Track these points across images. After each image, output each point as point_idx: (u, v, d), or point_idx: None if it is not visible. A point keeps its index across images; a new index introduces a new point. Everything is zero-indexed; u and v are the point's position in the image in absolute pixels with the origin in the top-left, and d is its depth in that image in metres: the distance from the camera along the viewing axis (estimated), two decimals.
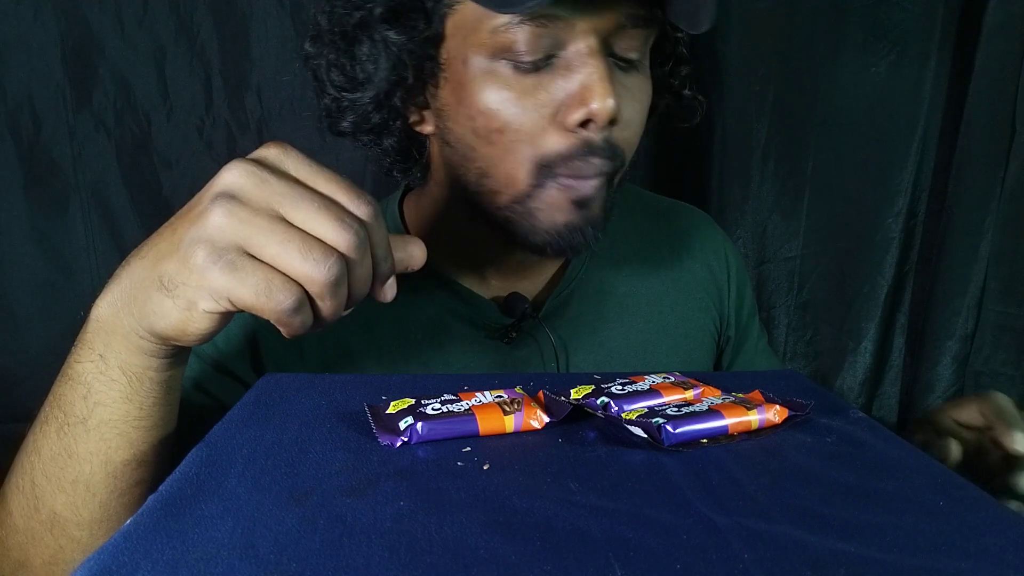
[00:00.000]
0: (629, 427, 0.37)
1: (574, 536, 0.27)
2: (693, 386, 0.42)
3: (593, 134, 0.49)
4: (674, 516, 0.29)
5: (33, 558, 0.42)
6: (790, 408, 0.39)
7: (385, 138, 0.57)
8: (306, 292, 0.35)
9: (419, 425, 0.35)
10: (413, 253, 0.42)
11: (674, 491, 0.31)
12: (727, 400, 0.40)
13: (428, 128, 0.56)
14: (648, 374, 0.44)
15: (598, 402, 0.39)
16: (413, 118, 0.56)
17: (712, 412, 0.37)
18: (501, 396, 0.39)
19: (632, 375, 0.44)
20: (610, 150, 0.50)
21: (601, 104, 0.46)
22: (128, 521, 0.28)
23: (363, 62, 0.52)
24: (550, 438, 0.37)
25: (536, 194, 0.51)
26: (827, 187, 1.02)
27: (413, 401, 0.38)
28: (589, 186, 0.50)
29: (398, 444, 0.35)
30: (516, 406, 0.37)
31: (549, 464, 0.34)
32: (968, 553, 0.26)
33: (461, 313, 0.60)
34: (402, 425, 0.35)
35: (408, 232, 0.63)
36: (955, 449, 0.54)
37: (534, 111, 0.49)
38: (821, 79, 0.97)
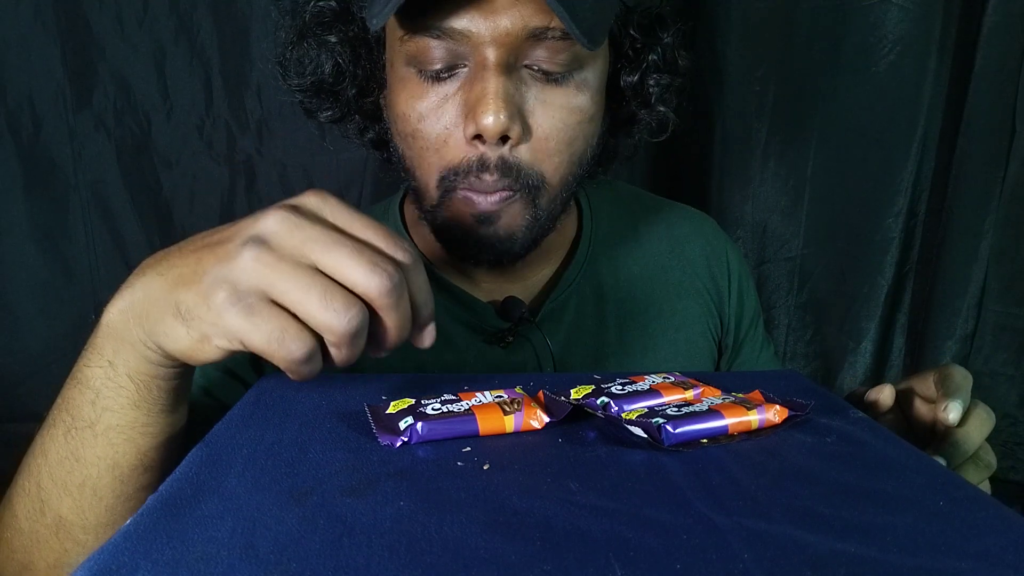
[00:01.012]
0: (629, 427, 0.37)
1: (574, 536, 0.27)
2: (693, 386, 0.42)
3: (488, 150, 0.49)
4: (674, 516, 0.29)
5: (37, 561, 0.42)
6: (790, 408, 0.39)
7: (364, 132, 0.61)
8: (322, 340, 0.35)
9: (419, 425, 0.35)
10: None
11: (674, 491, 0.31)
12: (727, 400, 0.40)
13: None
14: (648, 374, 0.44)
15: (598, 402, 0.39)
16: (386, 115, 0.59)
17: (712, 412, 0.37)
18: (501, 396, 0.39)
19: (632, 375, 0.44)
20: (510, 169, 0.49)
21: (487, 120, 0.46)
22: (128, 521, 0.28)
23: (308, 62, 0.56)
24: (550, 438, 0.37)
25: (444, 203, 0.52)
26: (827, 187, 1.02)
27: (413, 401, 0.38)
28: (488, 201, 0.50)
29: (398, 444, 0.35)
30: (516, 406, 0.37)
31: (549, 464, 0.34)
32: (968, 553, 0.26)
33: (458, 316, 0.60)
34: (402, 425, 0.35)
35: (408, 232, 0.63)
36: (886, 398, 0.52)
37: (438, 120, 0.50)
38: (821, 79, 0.97)
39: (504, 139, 0.48)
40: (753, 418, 0.38)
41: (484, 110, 0.46)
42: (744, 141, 0.99)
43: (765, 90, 0.97)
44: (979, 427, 0.47)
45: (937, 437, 0.48)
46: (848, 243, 1.06)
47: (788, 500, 0.30)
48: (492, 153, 0.49)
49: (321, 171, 0.92)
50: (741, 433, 0.37)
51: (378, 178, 0.93)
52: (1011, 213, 0.97)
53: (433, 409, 0.36)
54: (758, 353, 0.73)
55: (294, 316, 0.34)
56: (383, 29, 0.53)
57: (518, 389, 0.40)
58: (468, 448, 0.35)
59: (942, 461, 0.47)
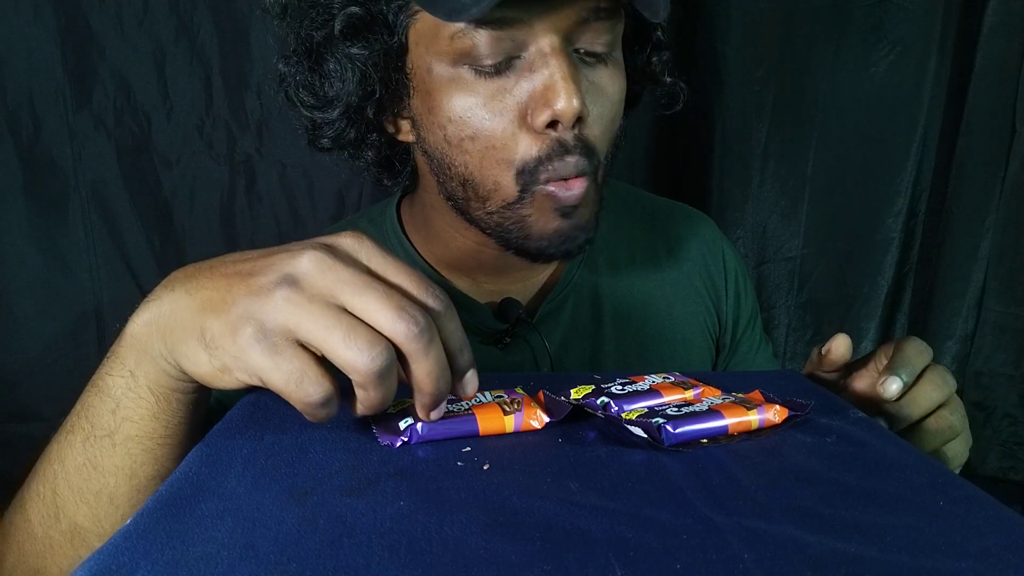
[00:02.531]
0: (629, 427, 0.37)
1: (574, 536, 0.27)
2: (693, 386, 0.42)
3: (563, 134, 0.49)
4: (674, 516, 0.29)
5: (51, 566, 0.42)
6: (790, 408, 0.39)
7: (365, 151, 0.58)
8: (350, 383, 0.35)
9: (419, 425, 0.35)
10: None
11: (674, 491, 0.31)
12: (727, 400, 0.40)
13: (408, 137, 0.56)
14: (648, 374, 0.44)
15: (598, 402, 0.39)
16: (391, 129, 0.57)
17: (712, 412, 0.37)
18: (501, 396, 0.39)
19: (632, 375, 0.44)
20: (588, 149, 0.50)
21: (565, 104, 0.46)
22: (128, 521, 0.28)
23: (331, 79, 0.53)
24: (550, 438, 0.37)
25: (525, 200, 0.51)
26: (827, 187, 1.02)
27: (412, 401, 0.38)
28: (574, 195, 0.50)
29: (398, 444, 0.35)
30: (516, 406, 0.37)
31: (549, 464, 0.34)
32: (968, 553, 0.26)
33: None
34: (402, 425, 0.35)
35: (406, 236, 0.63)
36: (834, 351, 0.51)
37: (501, 115, 0.49)
38: (821, 79, 0.97)
39: (577, 123, 0.48)
40: (753, 418, 0.38)
41: (558, 94, 0.46)
42: (744, 141, 0.99)
43: (765, 90, 0.97)
44: (927, 394, 0.47)
45: (875, 405, 0.49)
46: (848, 243, 1.06)
47: (788, 500, 0.30)
48: (568, 135, 0.48)
49: (321, 171, 0.92)
50: (741, 433, 0.37)
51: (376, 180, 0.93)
52: (1011, 213, 0.97)
53: None
54: (755, 352, 0.73)
55: (318, 358, 0.34)
56: (407, 36, 0.51)
57: (518, 389, 0.40)
58: (468, 448, 0.35)
59: (883, 423, 0.48)
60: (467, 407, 0.37)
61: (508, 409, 0.37)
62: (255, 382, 0.35)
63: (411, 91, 0.52)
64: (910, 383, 0.46)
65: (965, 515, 0.29)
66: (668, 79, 0.61)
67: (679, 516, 0.29)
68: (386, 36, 0.51)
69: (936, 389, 0.47)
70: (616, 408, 0.38)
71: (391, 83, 0.53)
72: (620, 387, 0.41)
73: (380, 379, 0.33)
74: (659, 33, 0.58)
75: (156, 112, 0.87)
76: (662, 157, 1.02)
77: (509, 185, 0.50)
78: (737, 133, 0.99)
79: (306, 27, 0.52)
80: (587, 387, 0.42)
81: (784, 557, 0.26)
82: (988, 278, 1.00)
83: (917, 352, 0.48)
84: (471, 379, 0.37)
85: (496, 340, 0.60)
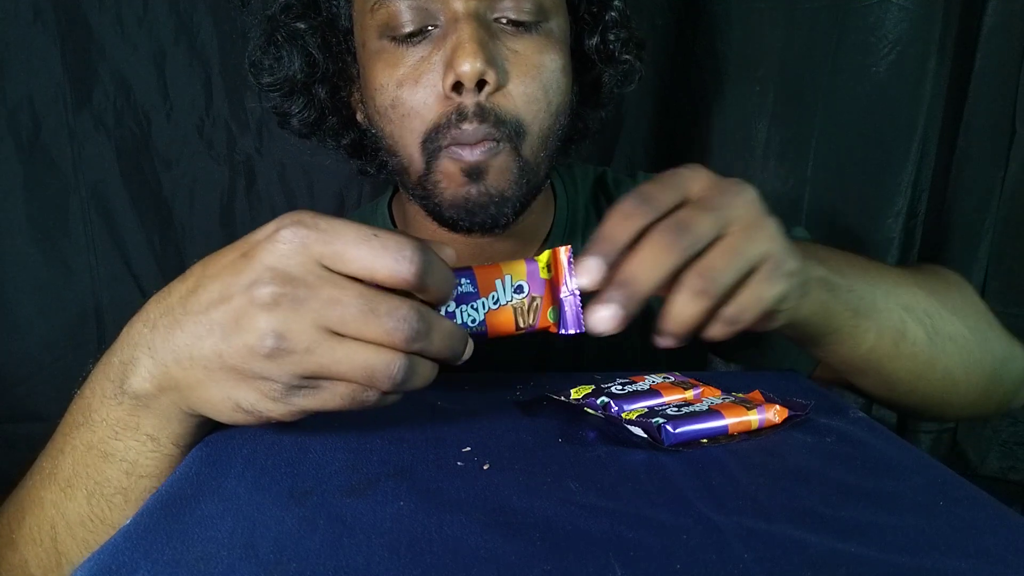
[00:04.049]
0: (629, 427, 0.37)
1: (574, 536, 0.27)
2: (693, 386, 0.42)
3: (465, 99, 0.49)
4: (674, 516, 0.29)
5: None
6: (790, 408, 0.39)
7: (339, 136, 0.61)
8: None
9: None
10: (447, 255, 0.37)
11: (674, 491, 0.31)
12: (727, 400, 0.40)
13: (361, 117, 0.59)
14: (648, 374, 0.44)
15: (598, 402, 0.39)
16: (359, 115, 0.59)
17: (712, 412, 0.37)
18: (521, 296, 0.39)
19: (632, 375, 0.44)
20: (488, 114, 0.49)
21: (465, 65, 0.47)
22: (128, 521, 0.28)
23: (280, 58, 0.56)
24: (550, 438, 0.37)
25: (432, 168, 0.52)
26: (827, 187, 1.02)
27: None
28: (475, 153, 0.50)
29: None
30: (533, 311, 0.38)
31: (549, 464, 0.34)
32: (968, 553, 0.26)
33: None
34: None
35: None
36: None
37: (416, 83, 0.50)
38: (821, 79, 0.97)
39: (481, 85, 0.49)
40: (753, 418, 0.38)
41: (460, 55, 0.47)
42: (744, 141, 0.99)
43: (765, 90, 0.97)
44: (650, 267, 0.34)
45: None
46: (848, 243, 1.05)
47: (788, 500, 0.30)
48: (469, 101, 0.49)
49: (321, 171, 0.92)
50: (741, 433, 0.37)
51: (377, 178, 0.93)
52: (1011, 213, 0.97)
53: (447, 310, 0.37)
54: None
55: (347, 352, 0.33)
56: (351, 16, 0.54)
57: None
58: (468, 448, 0.35)
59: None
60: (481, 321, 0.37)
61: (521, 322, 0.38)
62: (312, 413, 0.35)
63: (358, 71, 0.56)
64: (610, 261, 0.35)
65: (965, 515, 0.29)
66: (626, 58, 0.60)
67: (679, 516, 0.29)
68: (328, 15, 0.55)
69: (663, 253, 0.34)
70: (616, 408, 0.38)
71: (341, 62, 0.57)
72: (620, 387, 0.41)
73: (408, 380, 0.33)
74: (613, 13, 0.59)
75: (156, 112, 0.87)
76: (662, 157, 1.02)
77: (417, 157, 0.52)
78: (737, 133, 0.99)
79: (259, 8, 0.57)
80: (587, 387, 0.42)
81: (784, 557, 0.26)
82: (988, 278, 1.00)
83: (623, 217, 0.35)
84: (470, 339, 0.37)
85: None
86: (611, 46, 0.59)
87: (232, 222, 0.92)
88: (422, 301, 0.34)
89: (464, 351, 0.36)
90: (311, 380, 0.33)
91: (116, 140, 0.86)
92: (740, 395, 0.41)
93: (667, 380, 0.43)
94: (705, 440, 0.36)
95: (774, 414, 0.38)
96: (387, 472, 0.33)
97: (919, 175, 1.02)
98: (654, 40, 0.96)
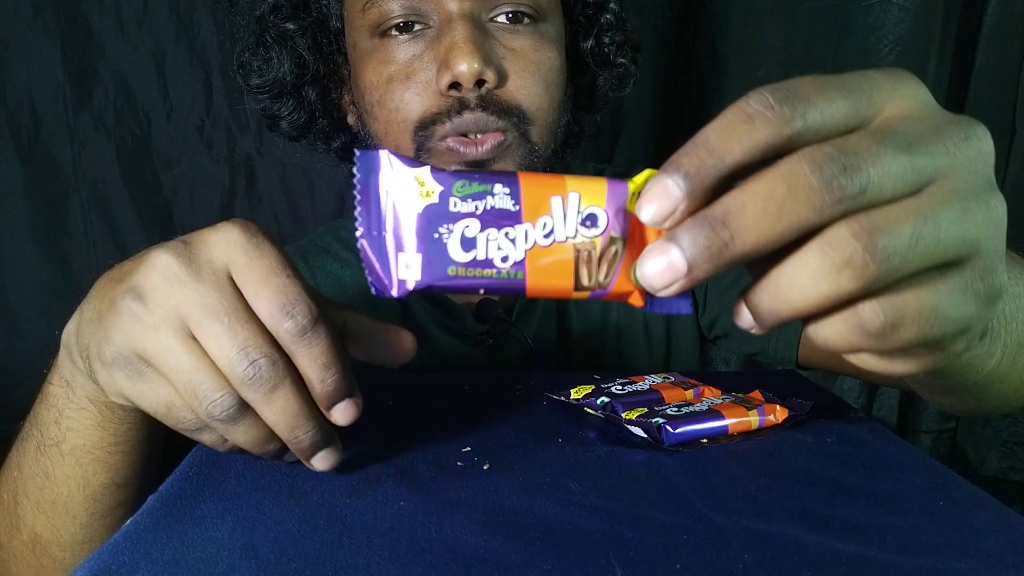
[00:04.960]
0: (629, 427, 0.37)
1: (574, 536, 0.27)
2: (693, 386, 0.42)
3: (465, 94, 0.49)
4: (674, 516, 0.29)
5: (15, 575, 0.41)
6: (790, 408, 0.39)
7: (330, 139, 0.61)
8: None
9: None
10: (401, 344, 0.34)
11: (674, 491, 0.31)
12: (727, 400, 0.40)
13: (353, 119, 0.59)
14: (648, 374, 0.44)
15: (598, 402, 0.39)
16: (350, 117, 0.59)
17: (712, 412, 0.37)
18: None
19: (632, 375, 0.44)
20: (491, 105, 0.49)
21: (463, 65, 0.47)
22: (128, 521, 0.28)
23: (270, 59, 0.56)
24: (550, 438, 0.37)
25: (422, 156, 0.51)
26: None
27: None
28: (482, 150, 0.49)
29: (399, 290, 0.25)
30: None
31: (549, 464, 0.34)
32: (968, 553, 0.26)
33: (439, 321, 0.60)
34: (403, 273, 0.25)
35: None
36: None
37: (406, 79, 0.50)
38: None
39: (480, 85, 0.48)
40: (753, 418, 0.38)
41: (457, 56, 0.47)
42: None
43: None
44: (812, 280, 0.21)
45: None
46: None
47: (788, 500, 0.30)
48: (471, 95, 0.49)
49: (321, 171, 0.92)
50: (741, 433, 0.37)
51: None
52: (1011, 213, 0.97)
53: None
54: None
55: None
56: (342, 17, 0.54)
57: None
58: (468, 448, 0.35)
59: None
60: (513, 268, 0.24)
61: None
62: (132, 404, 0.32)
63: (349, 72, 0.55)
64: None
65: (965, 515, 0.29)
66: (620, 61, 0.60)
67: (679, 516, 0.29)
68: (318, 16, 0.55)
69: (802, 196, 0.20)
70: (616, 408, 0.38)
71: (332, 64, 0.56)
72: (620, 387, 0.41)
73: (227, 424, 0.29)
74: (608, 16, 0.58)
75: (156, 112, 0.87)
76: (662, 157, 1.02)
77: (407, 145, 0.51)
78: None
79: (248, 9, 0.56)
80: (587, 387, 0.42)
81: (784, 557, 0.26)
82: None
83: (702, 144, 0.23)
84: (344, 408, 0.31)
85: (479, 342, 0.60)
86: (606, 49, 0.59)
87: None
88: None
89: (309, 443, 0.30)
90: (140, 361, 0.30)
91: (116, 140, 0.87)
92: (740, 395, 0.41)
93: (667, 380, 0.43)
94: (705, 440, 0.36)
95: (774, 414, 0.38)
96: (387, 472, 0.33)
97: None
98: (654, 40, 0.96)
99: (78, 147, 0.86)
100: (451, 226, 0.23)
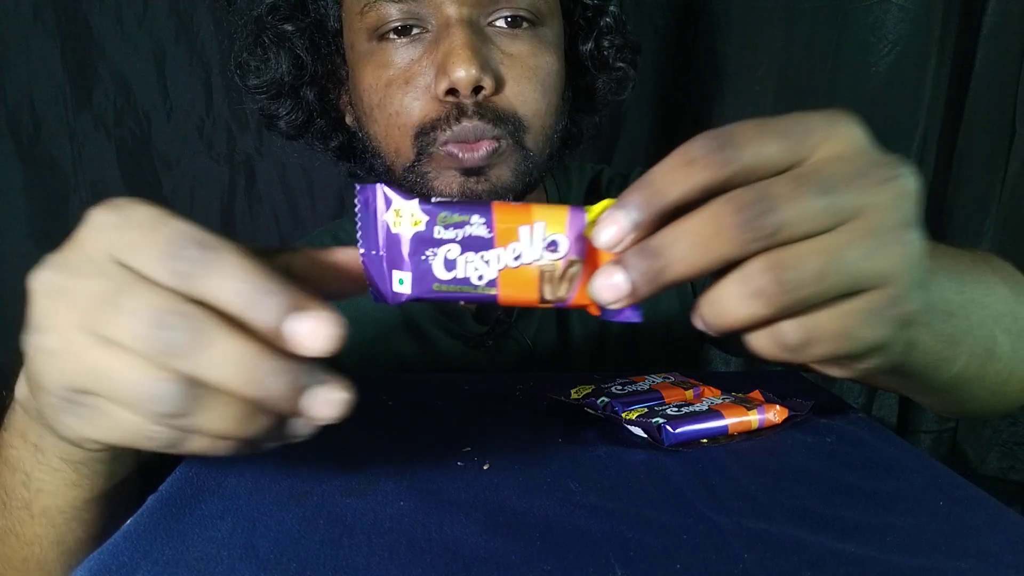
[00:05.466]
0: (629, 427, 0.37)
1: (574, 536, 0.27)
2: (693, 386, 0.42)
3: (463, 100, 0.49)
4: (674, 516, 0.29)
5: None
6: (790, 408, 0.39)
7: (328, 139, 0.61)
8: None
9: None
10: (347, 263, 0.29)
11: (674, 491, 0.31)
12: (727, 400, 0.40)
13: (351, 119, 0.59)
14: (648, 374, 0.44)
15: (598, 402, 0.39)
16: (348, 118, 0.59)
17: (712, 412, 0.37)
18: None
19: (632, 375, 0.44)
20: (488, 113, 0.49)
21: (460, 71, 0.47)
22: (128, 521, 0.28)
23: (268, 59, 0.56)
24: (550, 438, 0.37)
25: (423, 159, 0.51)
26: None
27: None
28: (474, 156, 0.49)
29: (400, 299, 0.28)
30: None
31: (549, 464, 0.34)
32: (968, 553, 0.26)
33: (439, 322, 0.61)
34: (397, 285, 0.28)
35: None
36: None
37: (405, 83, 0.50)
38: (821, 79, 0.97)
39: (478, 91, 0.49)
40: (753, 418, 0.38)
41: (454, 62, 0.47)
42: None
43: (765, 90, 0.97)
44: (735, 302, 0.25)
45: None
46: None
47: (788, 500, 0.30)
48: (469, 101, 0.49)
49: (321, 171, 0.92)
50: (741, 433, 0.37)
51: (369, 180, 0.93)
52: (1011, 213, 0.97)
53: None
54: None
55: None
56: (340, 18, 0.54)
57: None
58: (468, 448, 0.35)
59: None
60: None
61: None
62: (108, 446, 0.27)
63: (347, 72, 0.55)
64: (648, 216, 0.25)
65: (965, 515, 0.29)
66: (619, 65, 0.60)
67: (679, 516, 0.29)
68: (316, 17, 0.55)
69: (726, 232, 0.24)
70: (616, 408, 0.38)
71: (330, 64, 0.56)
72: (620, 387, 0.41)
73: (192, 416, 0.24)
74: (608, 19, 0.58)
75: (156, 112, 0.87)
76: (661, 157, 1.02)
77: (407, 149, 0.51)
78: None
79: (246, 9, 0.56)
80: (587, 387, 0.42)
81: (784, 557, 0.26)
82: None
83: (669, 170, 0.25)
84: (306, 323, 0.24)
85: (479, 343, 0.60)
86: (605, 52, 0.59)
87: (232, 222, 0.92)
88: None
89: (285, 386, 0.24)
90: (83, 396, 0.25)
91: (116, 140, 0.87)
92: (740, 395, 0.41)
93: (667, 380, 0.43)
94: (705, 440, 0.36)
95: (774, 414, 0.38)
96: (387, 472, 0.33)
97: (919, 175, 1.02)
98: (654, 41, 0.96)
99: (78, 147, 0.86)
100: (436, 250, 0.27)
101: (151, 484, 0.32)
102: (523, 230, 0.27)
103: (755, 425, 0.38)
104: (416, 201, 0.27)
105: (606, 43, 0.59)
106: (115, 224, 0.26)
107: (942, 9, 0.94)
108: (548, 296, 0.27)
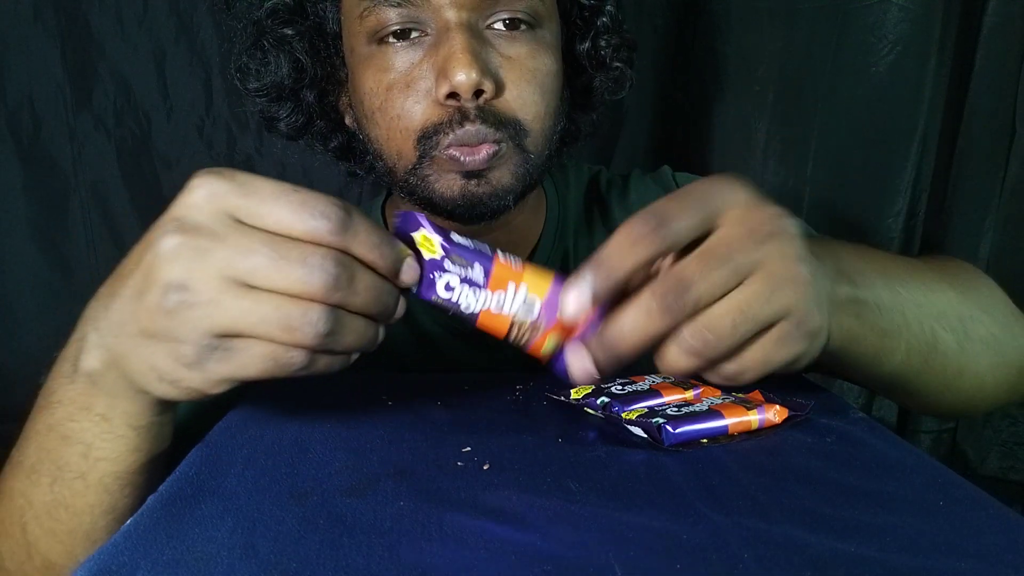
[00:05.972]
0: (629, 427, 0.37)
1: (574, 536, 0.27)
2: (693, 386, 0.42)
3: (465, 104, 0.49)
4: (674, 516, 0.29)
5: None
6: (790, 408, 0.39)
7: (328, 140, 0.61)
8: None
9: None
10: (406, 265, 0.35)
11: (674, 491, 0.31)
12: (727, 400, 0.40)
13: (351, 121, 0.59)
14: (648, 374, 0.44)
15: (598, 402, 0.39)
16: (347, 119, 0.59)
17: (712, 412, 0.37)
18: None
19: (632, 375, 0.44)
20: (490, 117, 0.49)
21: (460, 75, 0.47)
22: (128, 521, 0.28)
23: (268, 63, 0.56)
24: (550, 438, 0.37)
25: (425, 162, 0.51)
26: (827, 187, 1.02)
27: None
28: (476, 159, 0.50)
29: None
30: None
31: (549, 464, 0.34)
32: (968, 553, 0.26)
33: (441, 321, 0.61)
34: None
35: None
36: None
37: (406, 87, 0.51)
38: (821, 79, 0.97)
39: (478, 95, 0.49)
40: (753, 418, 0.38)
41: (455, 66, 0.47)
42: (744, 141, 0.99)
43: (765, 90, 0.97)
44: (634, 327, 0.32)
45: None
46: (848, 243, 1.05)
47: (788, 500, 0.30)
48: (471, 105, 0.49)
49: (321, 171, 0.92)
50: (741, 433, 0.37)
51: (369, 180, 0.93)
52: (1011, 213, 0.97)
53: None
54: None
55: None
56: (339, 21, 0.55)
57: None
58: (468, 448, 0.35)
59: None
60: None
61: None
62: (235, 383, 0.33)
63: (347, 75, 0.56)
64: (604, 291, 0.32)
65: (965, 515, 0.29)
66: (617, 65, 0.60)
67: (679, 516, 0.29)
68: (315, 20, 0.55)
69: (656, 317, 0.32)
70: (616, 408, 0.38)
71: (329, 67, 0.57)
72: (620, 387, 0.41)
73: (335, 335, 0.31)
74: (605, 19, 0.58)
75: (156, 112, 0.87)
76: (662, 157, 1.02)
77: (410, 152, 0.52)
78: (737, 133, 0.99)
79: (245, 13, 0.57)
80: (587, 387, 0.42)
81: (784, 557, 0.26)
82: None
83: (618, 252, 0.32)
84: (407, 269, 0.34)
85: (479, 343, 0.60)
86: (602, 52, 0.59)
87: None
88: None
89: (395, 307, 0.34)
90: (224, 340, 0.30)
91: (116, 140, 0.86)
92: (740, 395, 0.41)
93: (667, 380, 0.43)
94: (705, 440, 0.36)
95: (774, 414, 0.38)
96: (387, 472, 0.33)
97: (919, 175, 1.02)
98: (654, 40, 0.96)
99: (78, 147, 0.85)
100: (442, 275, 0.35)
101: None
102: (510, 287, 0.35)
103: (755, 425, 0.38)
104: (440, 239, 0.35)
105: (603, 43, 0.59)
106: (233, 190, 0.31)
107: (942, 9, 0.94)
108: (512, 337, 0.35)
